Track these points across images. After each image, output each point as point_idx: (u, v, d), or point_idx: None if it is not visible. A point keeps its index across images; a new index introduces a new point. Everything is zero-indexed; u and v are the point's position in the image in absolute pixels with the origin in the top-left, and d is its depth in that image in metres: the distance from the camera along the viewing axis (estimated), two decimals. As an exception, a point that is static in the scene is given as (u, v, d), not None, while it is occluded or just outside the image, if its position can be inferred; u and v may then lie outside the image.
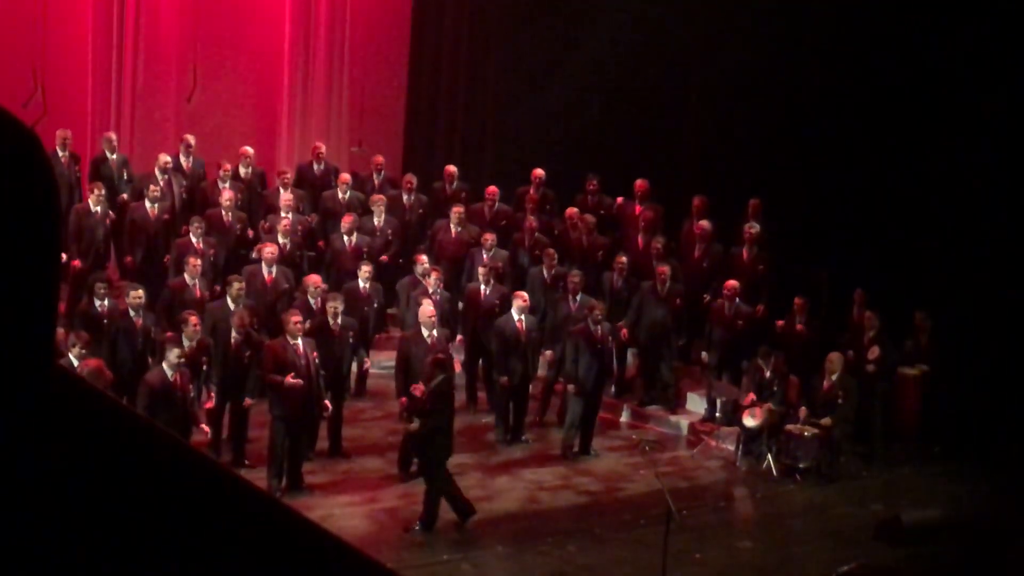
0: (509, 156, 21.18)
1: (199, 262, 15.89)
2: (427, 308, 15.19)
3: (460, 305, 17.50)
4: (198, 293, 15.68)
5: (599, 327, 16.01)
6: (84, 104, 19.34)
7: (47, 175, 1.26)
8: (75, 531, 1.41)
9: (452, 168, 20.00)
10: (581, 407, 15.95)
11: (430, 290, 16.41)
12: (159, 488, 1.55)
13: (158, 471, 1.54)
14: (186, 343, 13.84)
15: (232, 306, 14.90)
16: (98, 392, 1.60)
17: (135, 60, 19.66)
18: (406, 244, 18.68)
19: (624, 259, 17.73)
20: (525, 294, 16.36)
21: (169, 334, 14.15)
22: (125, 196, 17.98)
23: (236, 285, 15.13)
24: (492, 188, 19.36)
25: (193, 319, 14.17)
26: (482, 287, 16.96)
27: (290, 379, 13.69)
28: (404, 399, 14.38)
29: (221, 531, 1.56)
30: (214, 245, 16.90)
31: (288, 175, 18.75)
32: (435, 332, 15.02)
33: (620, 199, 19.62)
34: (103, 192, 17.26)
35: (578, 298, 16.74)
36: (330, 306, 15.17)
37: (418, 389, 13.74)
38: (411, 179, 19.49)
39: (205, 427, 13.85)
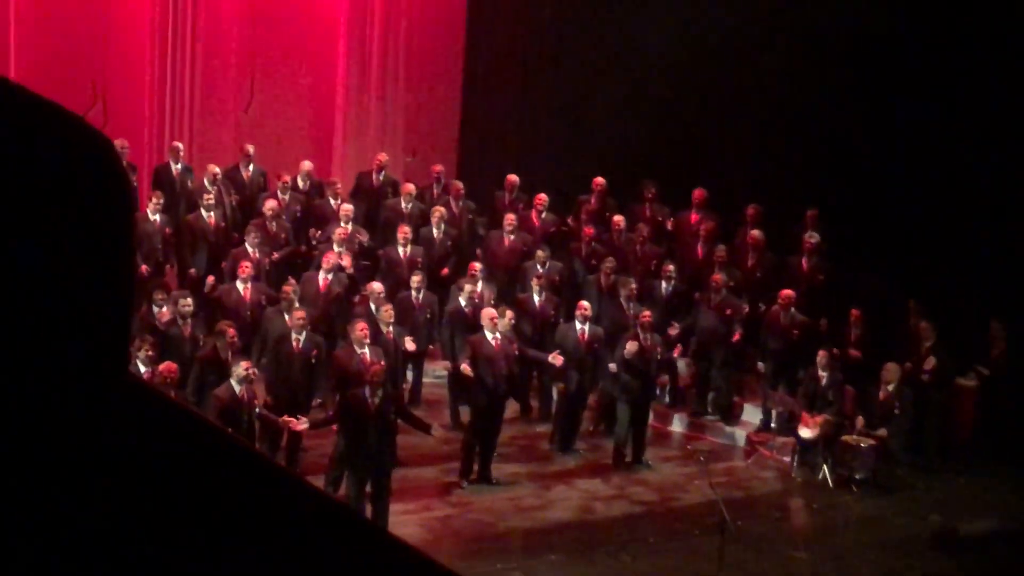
0: (563, 164, 21.14)
1: (249, 265, 16.01)
2: (488, 311, 15.29)
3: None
4: (248, 297, 15.78)
5: (647, 336, 15.97)
6: (142, 115, 19.52)
7: (124, 181, 1.29)
8: (142, 530, 1.45)
9: (513, 178, 19.80)
10: (628, 415, 15.93)
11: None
12: (226, 491, 1.59)
13: (226, 476, 1.57)
14: (223, 354, 13.92)
15: (285, 314, 15.02)
16: (167, 398, 1.64)
17: (193, 71, 19.82)
18: (458, 252, 18.70)
19: (671, 267, 17.64)
20: (587, 303, 16.34)
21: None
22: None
23: (289, 290, 15.28)
24: (541, 196, 19.30)
25: (231, 331, 14.20)
26: (535, 296, 16.95)
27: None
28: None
29: (289, 534, 1.59)
30: (268, 254, 17.02)
31: (338, 185, 18.83)
32: (497, 335, 15.06)
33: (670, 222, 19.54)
34: (161, 200, 17.41)
35: (631, 306, 16.73)
36: (383, 313, 15.27)
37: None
38: (459, 186, 19.46)
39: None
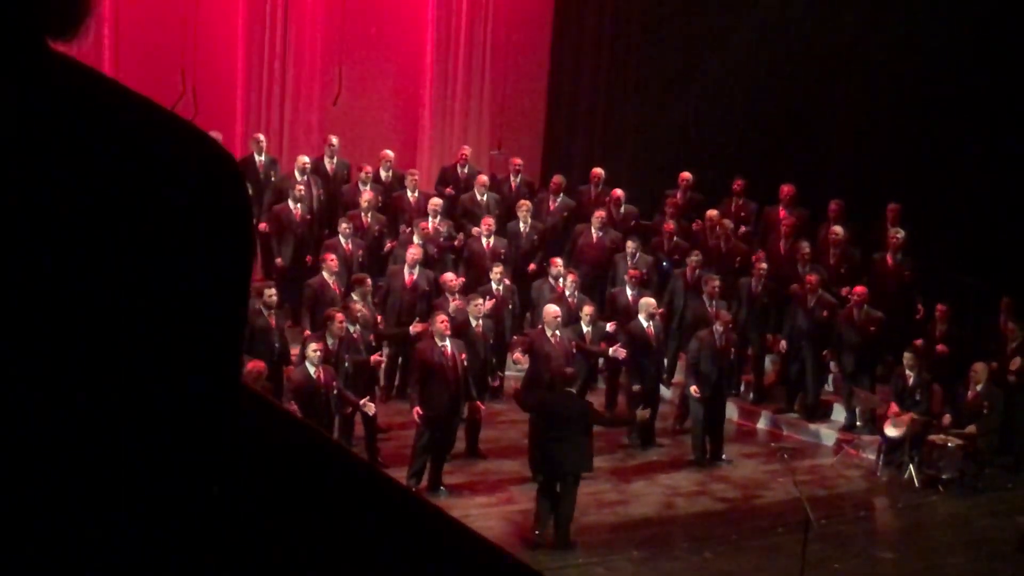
0: (649, 159, 21.08)
1: (335, 258, 16.06)
2: (551, 308, 15.29)
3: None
4: (337, 290, 15.86)
5: (723, 334, 15.89)
6: (234, 106, 19.68)
7: (245, 203, 1.30)
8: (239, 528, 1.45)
9: (599, 171, 19.80)
10: (702, 411, 15.85)
11: (567, 293, 16.43)
12: (317, 487, 1.59)
13: (322, 471, 1.58)
14: (331, 341, 14.05)
15: (359, 304, 15.06)
16: (259, 395, 1.64)
17: (283, 63, 19.97)
18: (547, 247, 18.69)
19: (764, 265, 17.50)
20: (652, 300, 16.27)
21: (307, 332, 14.42)
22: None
23: (359, 287, 15.29)
24: (616, 191, 19.24)
25: (339, 316, 14.32)
26: (628, 292, 16.85)
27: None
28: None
29: (370, 528, 1.59)
30: (361, 247, 17.09)
31: (416, 176, 18.85)
32: (558, 332, 15.08)
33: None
34: (249, 193, 17.48)
35: (714, 303, 16.61)
36: (472, 306, 15.29)
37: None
38: (559, 180, 19.43)
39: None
